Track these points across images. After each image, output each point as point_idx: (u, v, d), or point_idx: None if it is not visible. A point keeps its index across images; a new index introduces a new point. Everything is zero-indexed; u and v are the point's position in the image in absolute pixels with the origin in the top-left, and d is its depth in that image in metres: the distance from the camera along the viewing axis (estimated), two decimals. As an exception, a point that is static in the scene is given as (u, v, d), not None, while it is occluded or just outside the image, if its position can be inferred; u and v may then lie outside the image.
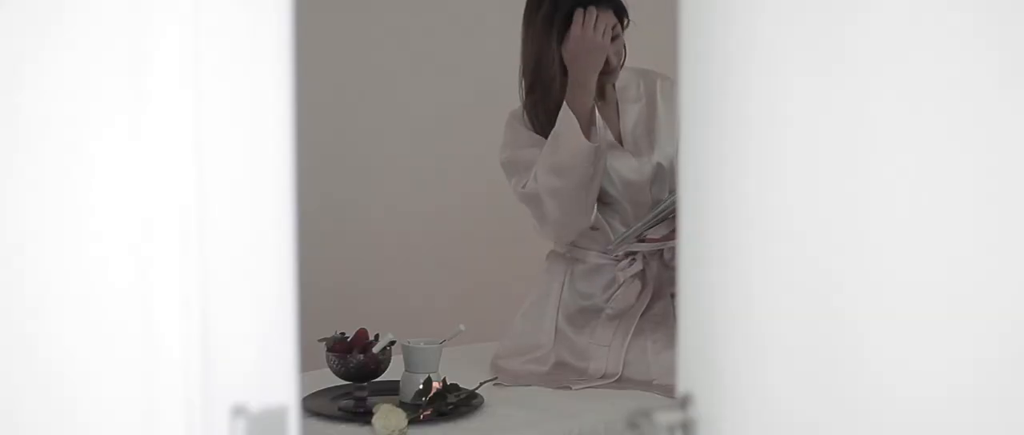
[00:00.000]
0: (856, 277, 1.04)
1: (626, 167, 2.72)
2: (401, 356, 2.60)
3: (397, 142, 3.79)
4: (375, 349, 2.51)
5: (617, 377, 2.67)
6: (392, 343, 2.53)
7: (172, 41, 1.03)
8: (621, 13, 2.69)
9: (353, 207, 3.78)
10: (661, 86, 2.79)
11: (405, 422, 2.33)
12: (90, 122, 1.05)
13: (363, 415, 2.42)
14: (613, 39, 2.67)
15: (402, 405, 2.44)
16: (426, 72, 3.71)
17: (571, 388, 2.65)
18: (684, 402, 1.16)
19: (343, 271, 3.69)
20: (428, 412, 2.44)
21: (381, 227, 3.78)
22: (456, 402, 2.46)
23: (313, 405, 2.48)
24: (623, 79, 2.78)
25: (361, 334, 2.55)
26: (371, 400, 2.50)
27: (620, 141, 2.75)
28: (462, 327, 2.61)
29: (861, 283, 1.04)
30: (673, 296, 2.74)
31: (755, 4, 1.09)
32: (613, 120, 2.77)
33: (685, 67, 1.16)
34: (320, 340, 2.55)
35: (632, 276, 2.73)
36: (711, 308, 1.15)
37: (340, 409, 2.48)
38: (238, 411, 1.06)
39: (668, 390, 2.65)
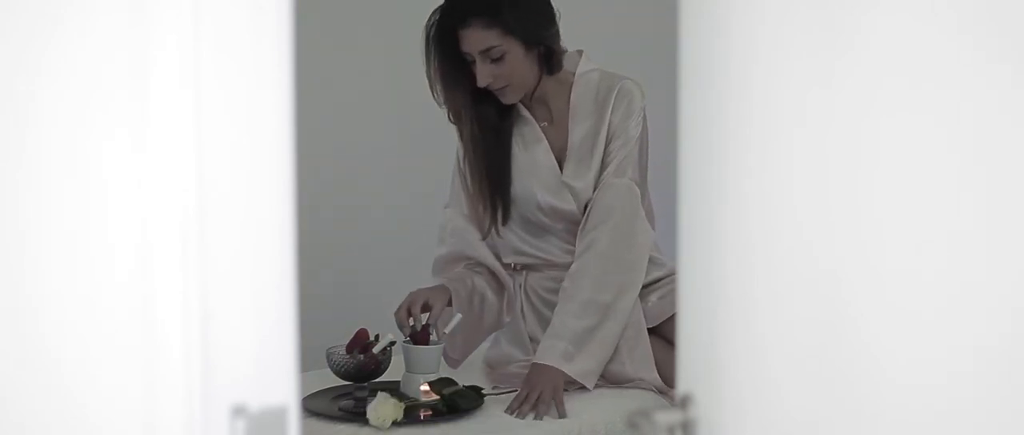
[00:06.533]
0: (858, 277, 1.04)
1: (553, 197, 2.69)
2: (401, 356, 2.60)
3: (398, 143, 3.79)
4: (375, 349, 2.51)
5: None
6: (392, 343, 2.54)
7: (173, 42, 1.03)
8: (507, 28, 2.55)
9: (353, 207, 3.77)
10: (619, 89, 2.65)
11: (399, 413, 2.33)
12: (93, 125, 1.05)
13: (363, 415, 2.43)
14: (494, 60, 2.57)
15: (404, 399, 2.45)
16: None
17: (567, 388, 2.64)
18: (684, 402, 1.16)
19: (343, 271, 3.69)
20: (429, 412, 2.44)
21: (381, 227, 3.78)
22: (457, 392, 2.46)
23: (313, 405, 2.49)
24: (584, 87, 2.68)
25: (361, 334, 2.55)
26: (371, 400, 2.51)
27: (562, 158, 2.69)
28: (445, 331, 2.61)
29: (863, 284, 1.04)
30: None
31: (755, 4, 1.09)
32: (558, 137, 2.71)
33: (685, 66, 1.16)
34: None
35: None
36: (711, 308, 1.15)
37: (340, 409, 2.48)
38: (238, 411, 1.06)
39: (663, 386, 2.65)
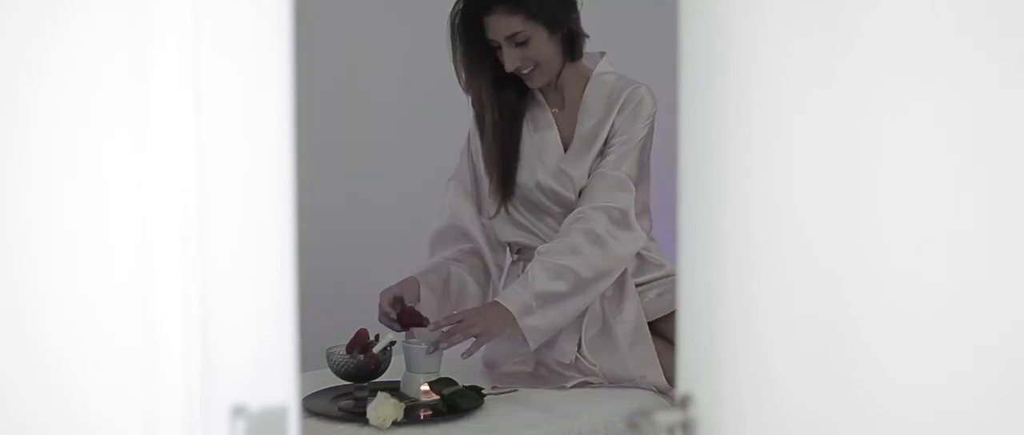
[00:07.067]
0: (858, 277, 1.04)
1: (553, 181, 2.74)
2: (401, 356, 2.60)
3: (398, 142, 3.79)
4: (375, 349, 2.51)
5: (596, 373, 2.66)
6: (392, 343, 2.54)
7: (173, 42, 1.03)
8: (530, 13, 2.61)
9: (353, 207, 3.77)
10: (630, 93, 2.70)
11: (399, 413, 2.33)
12: (93, 125, 1.05)
13: (363, 415, 2.43)
14: (518, 45, 2.62)
15: (404, 399, 2.45)
16: (426, 73, 3.72)
17: (566, 387, 2.65)
18: (684, 402, 1.16)
19: (343, 271, 3.69)
20: (429, 412, 2.44)
21: (381, 227, 3.78)
22: (457, 392, 2.46)
23: (313, 405, 2.49)
24: (600, 85, 2.73)
25: (361, 334, 2.55)
26: (371, 400, 2.51)
27: (567, 146, 2.75)
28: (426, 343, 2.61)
29: (863, 284, 1.04)
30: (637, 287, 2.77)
31: (755, 4, 1.09)
32: (566, 125, 2.77)
33: (685, 66, 1.16)
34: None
35: None
36: (711, 308, 1.15)
37: (340, 409, 2.48)
38: (238, 411, 1.06)
39: (663, 386, 2.65)
